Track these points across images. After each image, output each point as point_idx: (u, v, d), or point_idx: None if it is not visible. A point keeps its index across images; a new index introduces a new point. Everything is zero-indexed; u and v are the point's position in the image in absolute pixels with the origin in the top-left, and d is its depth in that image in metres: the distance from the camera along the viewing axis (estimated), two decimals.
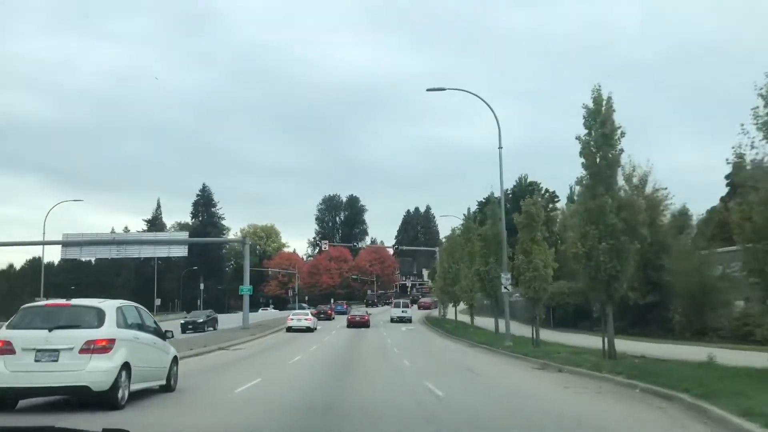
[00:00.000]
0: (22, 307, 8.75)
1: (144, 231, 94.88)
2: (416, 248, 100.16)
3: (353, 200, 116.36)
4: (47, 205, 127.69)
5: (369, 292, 73.63)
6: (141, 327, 9.48)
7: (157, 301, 67.68)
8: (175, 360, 10.71)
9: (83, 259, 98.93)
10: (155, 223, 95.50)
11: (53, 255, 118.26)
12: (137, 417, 7.70)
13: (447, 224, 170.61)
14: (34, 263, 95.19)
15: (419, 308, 48.53)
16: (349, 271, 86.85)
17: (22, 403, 8.29)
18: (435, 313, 49.98)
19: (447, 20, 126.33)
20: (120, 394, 8.17)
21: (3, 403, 7.96)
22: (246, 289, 37.66)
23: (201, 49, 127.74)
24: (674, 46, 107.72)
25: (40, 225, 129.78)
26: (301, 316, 34.53)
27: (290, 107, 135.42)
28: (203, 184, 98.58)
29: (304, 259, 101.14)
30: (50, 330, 7.96)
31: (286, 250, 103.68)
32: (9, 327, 8.27)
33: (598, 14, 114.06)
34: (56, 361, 7.83)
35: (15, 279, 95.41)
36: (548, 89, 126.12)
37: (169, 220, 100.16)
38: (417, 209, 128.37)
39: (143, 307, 10.24)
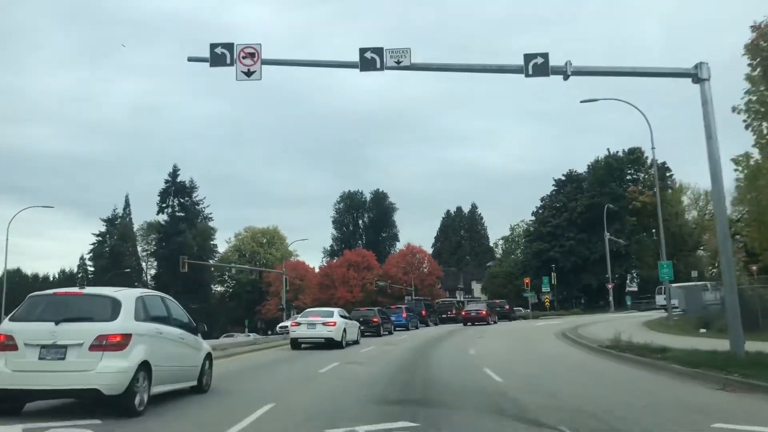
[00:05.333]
0: (29, 295, 10.16)
1: (99, 233, 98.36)
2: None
3: (379, 197, 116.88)
4: (73, 237, 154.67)
5: (408, 298, 73.52)
6: (167, 320, 10.95)
7: None
8: (208, 357, 12.37)
9: (29, 273, 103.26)
10: (114, 224, 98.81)
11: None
12: (156, 426, 8.97)
13: (499, 226, 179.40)
14: None
15: (473, 322, 47.96)
16: (375, 282, 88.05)
17: (29, 406, 9.67)
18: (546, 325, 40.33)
19: (463, 43, 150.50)
20: (137, 399, 9.46)
21: (5, 406, 9.33)
22: None
23: (218, 79, 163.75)
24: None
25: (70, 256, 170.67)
26: (318, 318, 26.08)
27: (308, 134, 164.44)
28: (173, 167, 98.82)
29: (317, 271, 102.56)
30: (57, 323, 9.23)
31: (295, 259, 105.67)
32: (12, 319, 9.65)
33: (616, 33, 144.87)
34: (63, 359, 9.09)
35: None
36: (568, 109, 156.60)
37: (138, 220, 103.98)
38: (459, 209, 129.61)
39: (171, 298, 11.85)
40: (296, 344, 26.04)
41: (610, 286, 67.94)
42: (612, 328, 29.44)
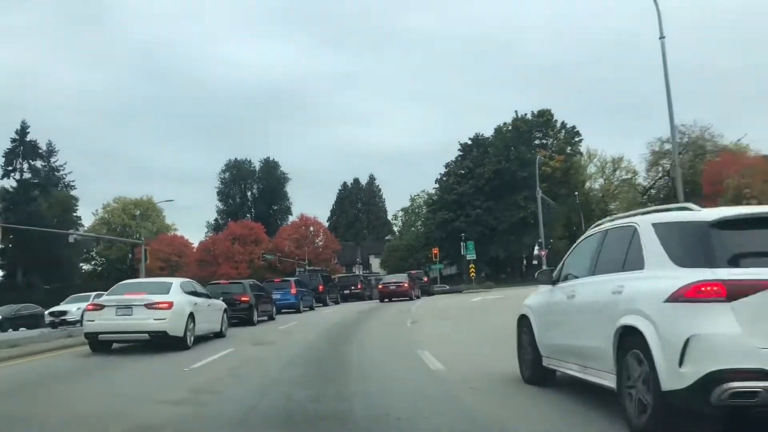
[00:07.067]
0: None
1: None
2: None
3: (270, 166, 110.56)
4: None
5: (300, 270, 65.07)
6: None
7: None
8: None
9: None
10: None
11: None
12: None
13: (397, 199, 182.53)
14: None
15: (392, 298, 40.91)
16: (262, 256, 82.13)
17: None
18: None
19: (357, 21, 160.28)
20: None
21: None
22: None
23: (100, 47, 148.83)
24: (580, 44, 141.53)
25: None
26: (138, 296, 15.32)
27: (197, 109, 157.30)
28: (22, 123, 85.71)
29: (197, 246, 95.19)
30: None
31: (172, 233, 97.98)
32: None
33: (505, 14, 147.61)
34: None
35: None
36: (459, 90, 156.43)
37: None
38: (356, 181, 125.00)
39: None
40: (97, 344, 15.24)
41: (543, 252, 57.33)
42: None
